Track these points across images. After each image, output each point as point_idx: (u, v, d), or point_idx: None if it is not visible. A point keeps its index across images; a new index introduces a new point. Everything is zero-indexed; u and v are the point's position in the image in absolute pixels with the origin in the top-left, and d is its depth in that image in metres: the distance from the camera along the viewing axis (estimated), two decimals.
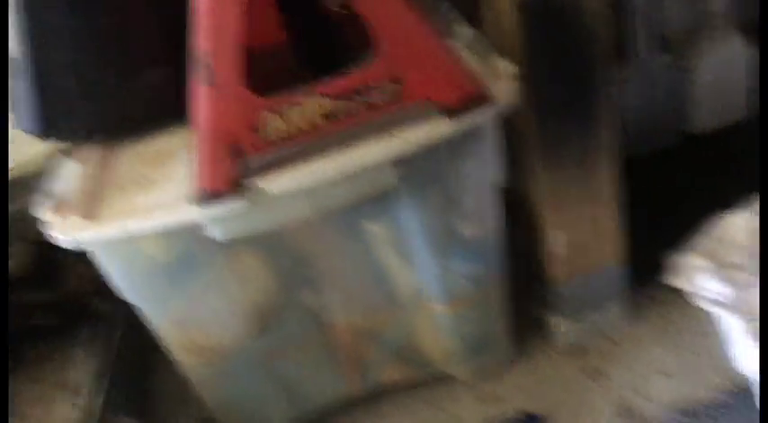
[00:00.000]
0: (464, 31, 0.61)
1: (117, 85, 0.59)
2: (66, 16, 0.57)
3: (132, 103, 0.60)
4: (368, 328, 0.67)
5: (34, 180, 0.63)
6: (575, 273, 0.72)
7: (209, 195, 0.53)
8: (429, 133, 0.55)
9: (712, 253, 0.70)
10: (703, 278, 0.74)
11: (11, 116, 0.61)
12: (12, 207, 0.69)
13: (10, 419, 0.67)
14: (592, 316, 0.74)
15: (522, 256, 0.70)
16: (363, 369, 0.70)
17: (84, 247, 0.56)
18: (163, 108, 0.60)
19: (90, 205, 0.56)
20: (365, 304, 0.66)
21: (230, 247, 0.58)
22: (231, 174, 0.53)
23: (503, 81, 0.56)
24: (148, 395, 0.79)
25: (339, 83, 0.53)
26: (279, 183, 0.54)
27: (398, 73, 0.53)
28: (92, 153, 0.61)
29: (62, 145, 0.62)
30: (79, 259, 0.57)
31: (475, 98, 0.55)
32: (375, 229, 0.62)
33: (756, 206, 0.66)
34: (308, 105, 0.53)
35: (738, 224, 0.68)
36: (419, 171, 0.57)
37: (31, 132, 0.60)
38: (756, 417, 0.64)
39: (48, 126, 0.59)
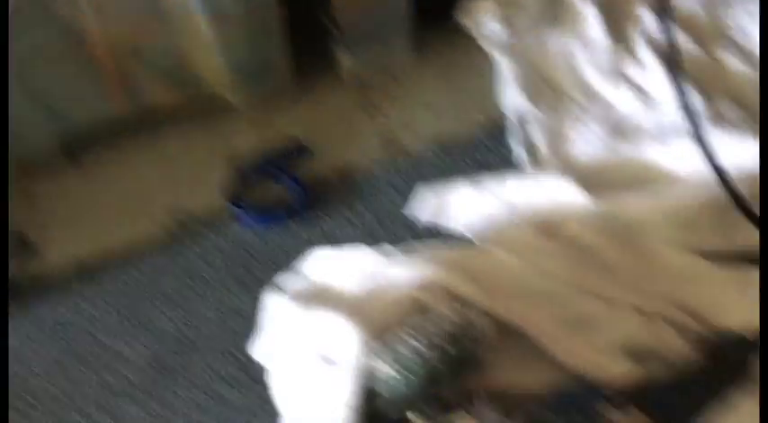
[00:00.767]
0: None
1: None
2: None
3: None
4: (129, 42, 0.64)
5: None
6: (360, 6, 0.70)
7: None
8: None
9: None
10: (487, 19, 0.74)
11: None
12: None
13: None
14: (376, 51, 0.74)
15: None
16: (130, 89, 0.68)
17: None
18: None
19: None
20: (122, 10, 0.61)
21: None
22: None
23: None
24: None
25: None
26: None
27: None
28: None
29: None
30: None
31: None
32: None
33: None
34: None
35: None
36: None
37: None
38: (509, 154, 0.68)
39: None
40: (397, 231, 0.64)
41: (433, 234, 0.63)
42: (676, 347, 0.51)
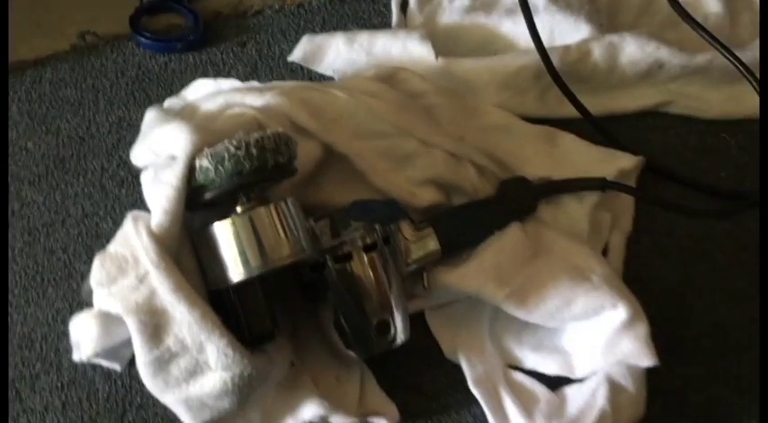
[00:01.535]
0: None
1: None
2: None
3: None
4: None
5: None
6: None
7: None
8: None
9: None
10: None
11: None
12: None
13: None
14: None
15: None
16: None
17: None
18: None
19: None
20: None
21: None
22: None
23: None
24: None
25: None
26: None
27: None
28: None
29: None
30: None
31: None
32: None
33: None
34: None
35: None
36: None
37: None
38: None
39: None
40: (279, 73, 0.73)
41: (311, 79, 0.73)
42: (477, 185, 0.62)
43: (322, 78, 0.72)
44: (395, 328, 0.54)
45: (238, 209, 0.49)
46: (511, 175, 0.64)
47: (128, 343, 0.49)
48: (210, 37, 0.75)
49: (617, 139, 0.67)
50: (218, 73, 0.73)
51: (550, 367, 0.57)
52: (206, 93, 0.64)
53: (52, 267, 0.62)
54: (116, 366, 0.57)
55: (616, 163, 0.64)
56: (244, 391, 0.49)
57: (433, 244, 0.57)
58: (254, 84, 0.64)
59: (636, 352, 0.54)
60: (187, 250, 0.50)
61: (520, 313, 0.56)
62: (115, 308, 0.47)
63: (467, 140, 0.64)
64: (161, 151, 0.53)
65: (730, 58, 0.63)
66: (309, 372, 0.57)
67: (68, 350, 0.55)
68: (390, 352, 0.54)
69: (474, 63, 0.67)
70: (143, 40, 0.74)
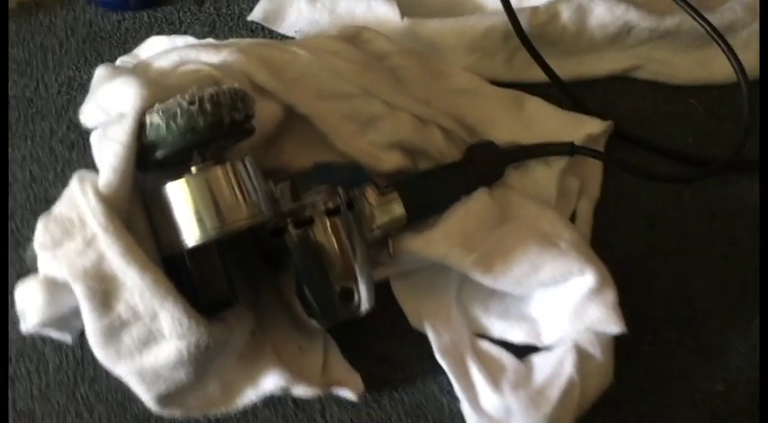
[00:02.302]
0: None
1: None
2: None
3: None
4: None
5: None
6: None
7: None
8: None
9: None
10: None
11: None
12: None
13: None
14: None
15: None
16: None
17: None
18: None
19: None
20: None
21: None
22: None
23: None
24: None
25: None
26: None
27: None
28: None
29: None
30: None
31: None
32: None
33: None
34: None
35: None
36: None
37: None
38: None
39: None
40: (238, 33, 0.70)
41: (273, 39, 0.69)
42: (443, 149, 0.60)
43: (283, 39, 0.69)
44: (359, 295, 0.52)
45: (192, 169, 0.46)
46: (478, 139, 0.62)
47: (77, 312, 0.46)
48: None
49: (585, 104, 0.65)
50: (174, 32, 0.69)
51: (517, 335, 0.56)
52: (160, 50, 0.61)
53: None
54: (67, 338, 0.54)
55: (584, 128, 0.62)
56: (200, 361, 0.47)
57: (398, 209, 0.55)
58: (211, 41, 0.60)
59: (604, 319, 0.53)
60: (139, 213, 0.47)
61: (487, 280, 0.54)
62: (61, 273, 0.44)
63: (433, 103, 0.61)
64: (110, 109, 0.49)
65: (700, 20, 0.62)
66: (271, 342, 0.54)
67: (16, 321, 0.51)
68: (355, 321, 0.52)
69: (440, 24, 0.64)
70: None
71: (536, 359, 0.55)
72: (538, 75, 0.65)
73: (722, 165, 0.60)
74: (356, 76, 0.56)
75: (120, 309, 0.45)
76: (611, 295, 0.53)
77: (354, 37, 0.61)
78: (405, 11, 0.66)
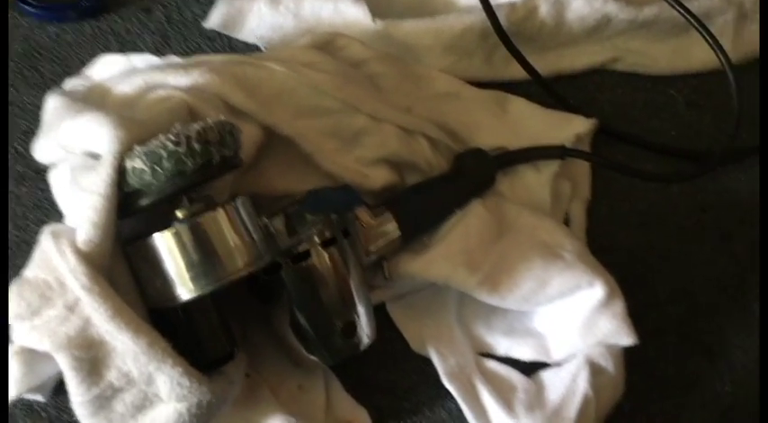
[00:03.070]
0: None
1: None
2: None
3: None
4: None
5: None
6: None
7: None
8: None
9: None
10: None
11: None
12: None
13: None
14: None
15: None
16: None
17: None
18: None
19: None
20: None
21: None
22: None
23: None
24: None
25: None
26: None
27: None
28: None
29: None
30: None
31: None
32: None
33: None
34: None
35: None
36: None
37: None
38: None
39: None
40: (194, 43, 0.64)
41: (233, 49, 0.64)
42: (431, 160, 0.56)
43: (245, 47, 0.64)
44: (361, 328, 0.48)
45: (179, 214, 0.41)
46: (464, 145, 0.59)
47: (58, 376, 0.41)
48: (109, 1, 0.64)
49: (567, 100, 0.63)
50: (121, 44, 0.63)
51: (525, 352, 0.53)
52: (116, 71, 0.55)
53: None
54: (38, 397, 0.49)
55: (572, 128, 0.60)
56: (201, 419, 0.42)
57: (393, 229, 0.52)
58: (175, 59, 0.54)
59: (615, 331, 0.51)
60: (120, 265, 0.42)
61: (493, 300, 0.51)
62: (41, 344, 0.39)
63: (415, 111, 0.57)
64: (74, 148, 0.44)
65: (681, 10, 0.60)
66: (267, 382, 0.50)
67: None
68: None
69: (415, 25, 0.60)
70: (28, 7, 0.63)
71: (546, 376, 0.53)
72: (517, 72, 0.62)
73: (719, 158, 0.59)
74: (337, 90, 0.52)
75: (112, 376, 0.40)
76: (619, 306, 0.51)
77: (328, 44, 0.57)
78: (372, 10, 0.62)
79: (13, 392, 0.41)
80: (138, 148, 0.39)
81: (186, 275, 0.40)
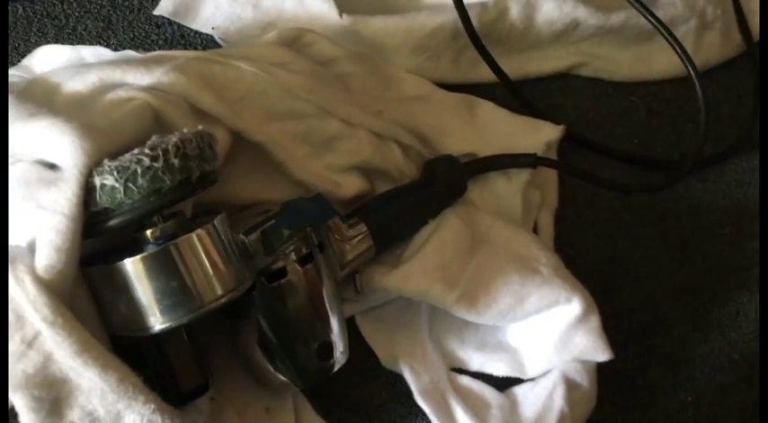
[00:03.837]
0: None
1: None
2: None
3: None
4: None
5: None
6: None
7: None
8: None
9: None
10: None
11: None
12: None
13: None
14: None
15: None
16: None
17: None
18: None
19: None
20: None
21: None
22: None
23: None
24: None
25: None
26: None
27: None
28: None
29: None
30: None
31: None
32: None
33: None
34: None
35: None
36: None
37: None
38: None
39: None
40: (141, 29, 0.58)
41: (185, 38, 0.58)
42: (403, 168, 0.53)
43: (197, 36, 0.59)
44: (336, 348, 0.45)
45: (148, 234, 0.37)
46: (433, 151, 0.56)
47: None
48: None
49: (533, 104, 0.61)
50: (59, 29, 0.57)
51: (499, 368, 0.52)
52: (60, 64, 0.49)
53: None
54: None
55: (542, 135, 0.58)
56: None
57: (366, 241, 0.49)
58: (131, 53, 0.49)
59: (591, 347, 0.50)
60: (80, 289, 0.37)
61: (470, 316, 0.49)
62: None
63: (385, 114, 0.54)
64: (24, 155, 0.38)
65: (650, 17, 0.59)
66: (233, 406, 0.47)
67: None
68: None
69: (385, 22, 0.57)
70: None
71: (520, 391, 0.51)
72: (484, 74, 0.60)
73: (690, 167, 0.58)
74: (309, 92, 0.48)
75: (74, 416, 0.35)
76: (595, 321, 0.50)
77: (294, 40, 0.52)
78: (338, 6, 0.58)
79: None
80: (108, 163, 0.34)
81: (160, 305, 0.36)
